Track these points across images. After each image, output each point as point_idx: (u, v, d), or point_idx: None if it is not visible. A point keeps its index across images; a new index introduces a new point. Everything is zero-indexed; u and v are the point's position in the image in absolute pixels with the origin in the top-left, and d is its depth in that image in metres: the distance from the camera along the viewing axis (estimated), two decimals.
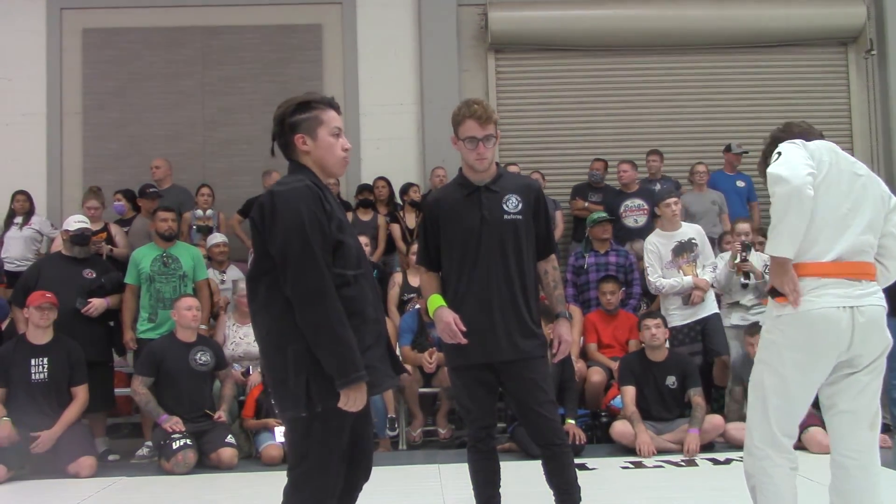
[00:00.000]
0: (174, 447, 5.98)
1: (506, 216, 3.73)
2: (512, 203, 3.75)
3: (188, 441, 6.05)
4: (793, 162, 3.14)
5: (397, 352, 7.10)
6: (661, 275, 6.97)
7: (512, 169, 8.78)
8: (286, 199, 2.88)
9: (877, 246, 3.31)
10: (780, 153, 3.22)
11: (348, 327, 2.84)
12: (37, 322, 6.22)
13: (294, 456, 2.98)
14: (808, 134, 3.46)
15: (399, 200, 9.05)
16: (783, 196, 3.10)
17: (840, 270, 3.19)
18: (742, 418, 6.37)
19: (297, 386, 2.84)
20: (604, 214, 7.91)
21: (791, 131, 3.48)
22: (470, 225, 3.73)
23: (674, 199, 7.16)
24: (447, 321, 3.69)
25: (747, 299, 7.19)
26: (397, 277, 7.88)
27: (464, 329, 3.67)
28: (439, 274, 3.89)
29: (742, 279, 7.11)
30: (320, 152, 3.04)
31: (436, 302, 3.79)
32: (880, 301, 3.25)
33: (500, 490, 3.91)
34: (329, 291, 2.82)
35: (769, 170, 3.19)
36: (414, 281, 7.63)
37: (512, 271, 3.71)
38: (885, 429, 6.48)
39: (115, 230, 7.98)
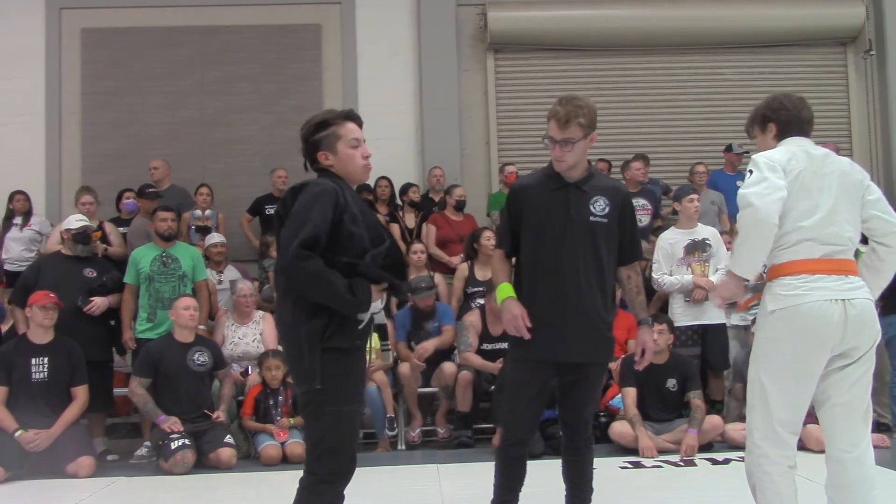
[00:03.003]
0: (173, 447, 5.98)
1: (591, 218, 3.69)
2: (599, 205, 3.71)
3: (187, 441, 6.04)
4: (764, 188, 3.22)
5: (393, 349, 7.18)
6: (665, 272, 6.96)
7: (509, 168, 8.81)
8: (304, 190, 3.14)
9: (857, 238, 3.38)
10: (751, 171, 3.31)
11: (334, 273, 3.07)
12: (40, 321, 6.21)
13: (310, 442, 3.19)
14: (792, 125, 3.50)
15: (399, 201, 9.05)
16: (748, 222, 3.25)
17: (829, 267, 3.26)
18: (742, 418, 6.41)
19: (312, 361, 3.07)
20: None
21: (778, 114, 3.53)
22: (555, 222, 3.69)
23: (696, 196, 7.17)
24: (514, 314, 3.66)
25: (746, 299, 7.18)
26: None
27: (530, 325, 3.64)
28: (513, 260, 3.88)
29: None
30: (341, 164, 3.28)
31: (506, 291, 3.75)
32: (868, 295, 3.32)
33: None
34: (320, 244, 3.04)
35: (741, 191, 3.31)
36: None
37: (592, 273, 3.68)
38: (885, 428, 6.50)
39: (109, 229, 7.95)
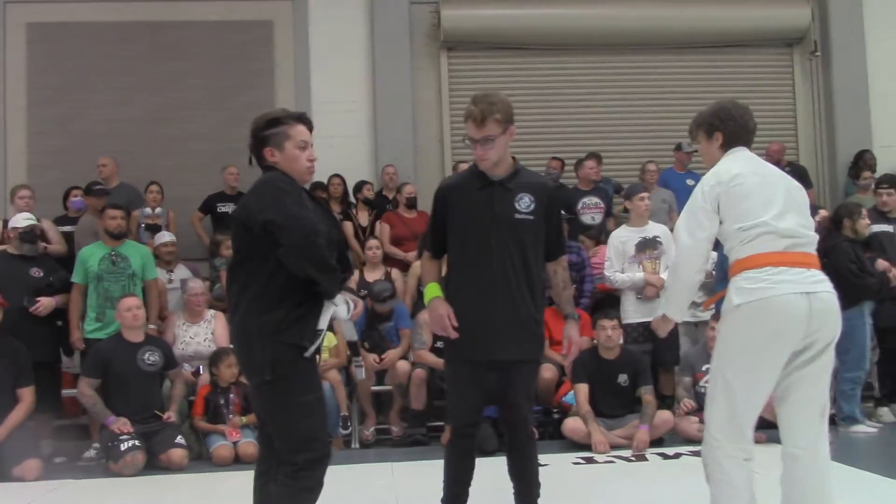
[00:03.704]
0: (122, 448, 5.90)
1: (516, 215, 3.71)
2: (524, 203, 3.73)
3: (137, 442, 5.96)
4: (692, 225, 3.42)
5: (345, 348, 7.14)
6: (617, 270, 7.05)
7: (462, 167, 8.81)
8: (265, 181, 3.28)
9: (814, 237, 3.44)
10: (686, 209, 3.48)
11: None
12: None
13: (283, 434, 3.23)
14: (738, 136, 3.58)
15: (353, 198, 9.02)
16: (675, 261, 3.51)
17: (792, 259, 3.31)
18: (692, 411, 6.51)
19: (264, 353, 3.16)
20: None
21: (726, 125, 3.59)
22: (479, 220, 3.72)
23: (647, 194, 7.27)
24: (440, 314, 3.70)
25: (697, 296, 7.29)
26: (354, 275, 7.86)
27: (456, 325, 3.67)
28: (441, 261, 3.90)
29: None
30: (287, 163, 3.35)
31: (433, 292, 3.78)
32: (832, 289, 3.36)
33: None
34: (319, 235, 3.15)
35: (677, 224, 3.52)
36: (370, 276, 7.62)
37: (519, 271, 3.70)
38: (831, 420, 6.64)
39: (47, 226, 7.72)
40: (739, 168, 3.43)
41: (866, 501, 4.59)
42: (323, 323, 3.27)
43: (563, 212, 7.78)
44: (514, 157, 3.85)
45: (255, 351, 3.17)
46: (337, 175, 8.82)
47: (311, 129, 3.44)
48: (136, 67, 9.65)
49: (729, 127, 3.59)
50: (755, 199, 3.35)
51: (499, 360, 3.73)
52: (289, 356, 3.18)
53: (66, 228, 8.00)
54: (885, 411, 7.34)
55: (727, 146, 3.59)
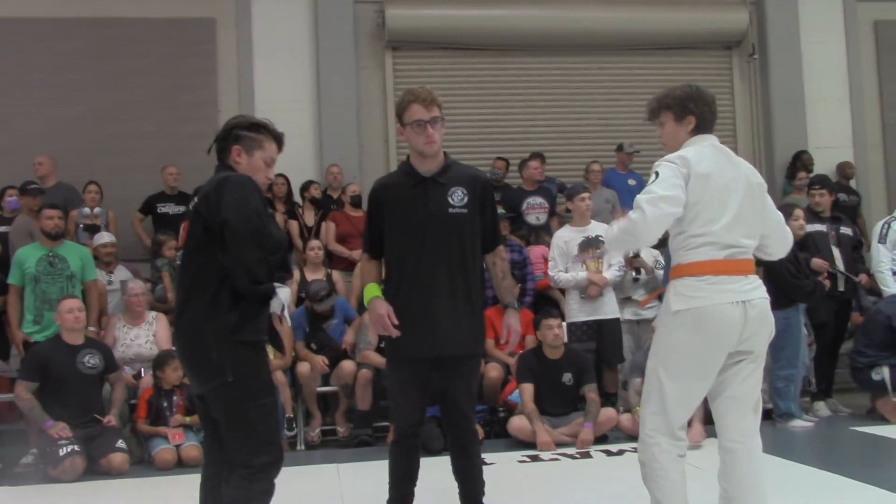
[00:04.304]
0: (61, 454, 5.78)
1: (451, 209, 3.73)
2: (458, 196, 3.75)
3: (76, 447, 5.85)
4: (660, 200, 3.28)
5: (292, 348, 7.11)
6: (561, 269, 7.11)
7: None
8: (233, 181, 3.20)
9: (755, 245, 3.48)
10: (657, 174, 3.35)
11: None
12: None
13: (239, 437, 3.19)
14: (709, 123, 3.54)
15: (298, 198, 8.96)
16: (634, 225, 3.32)
17: (731, 268, 3.35)
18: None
19: (221, 356, 3.14)
20: (501, 211, 7.99)
21: (702, 110, 3.50)
22: (415, 218, 3.73)
23: (587, 195, 7.34)
24: (380, 313, 3.70)
25: (639, 294, 7.40)
26: (295, 275, 7.81)
27: (396, 322, 3.68)
28: (381, 262, 3.90)
29: (633, 274, 7.32)
30: (248, 169, 3.35)
31: (372, 291, 3.78)
32: (765, 294, 3.44)
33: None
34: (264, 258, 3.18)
35: (638, 196, 3.34)
36: (310, 277, 7.57)
37: (456, 265, 3.72)
38: (768, 415, 6.79)
39: None
40: (708, 166, 3.35)
41: (803, 493, 4.72)
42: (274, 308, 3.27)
43: (503, 210, 7.95)
44: (445, 153, 3.87)
45: (212, 353, 3.15)
46: (281, 174, 8.74)
47: (280, 150, 3.48)
48: (76, 65, 9.44)
49: (704, 113, 3.52)
50: (711, 205, 3.33)
51: (440, 357, 3.74)
52: (246, 356, 3.19)
53: (0, 229, 7.81)
54: (821, 406, 7.53)
55: (696, 132, 3.51)
